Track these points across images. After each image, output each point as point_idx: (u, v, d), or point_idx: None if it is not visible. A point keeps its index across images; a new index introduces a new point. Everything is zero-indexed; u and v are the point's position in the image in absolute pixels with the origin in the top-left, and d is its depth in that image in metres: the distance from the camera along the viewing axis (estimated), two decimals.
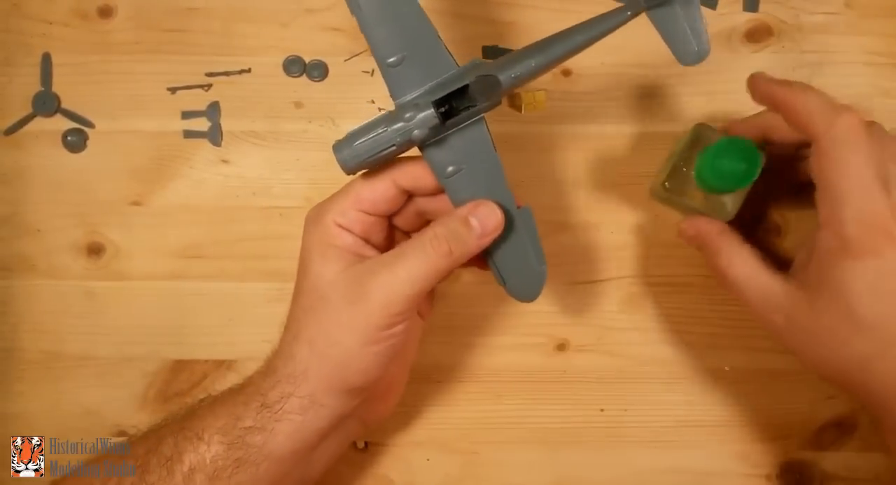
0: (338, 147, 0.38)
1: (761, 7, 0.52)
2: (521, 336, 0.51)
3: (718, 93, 0.51)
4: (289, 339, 0.40)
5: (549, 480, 0.50)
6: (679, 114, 0.51)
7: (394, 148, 0.38)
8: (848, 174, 0.35)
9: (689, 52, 0.39)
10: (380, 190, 0.40)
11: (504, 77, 0.38)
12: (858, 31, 0.51)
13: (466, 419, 0.50)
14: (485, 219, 0.38)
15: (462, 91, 0.38)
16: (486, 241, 0.39)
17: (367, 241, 0.40)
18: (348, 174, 0.39)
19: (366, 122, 0.38)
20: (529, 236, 0.40)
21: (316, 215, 0.40)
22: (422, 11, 0.39)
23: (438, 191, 0.40)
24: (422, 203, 0.42)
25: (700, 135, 0.46)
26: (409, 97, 0.38)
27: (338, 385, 0.39)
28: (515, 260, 0.41)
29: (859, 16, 0.51)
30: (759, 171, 0.41)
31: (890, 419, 0.37)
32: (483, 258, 0.41)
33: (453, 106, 0.38)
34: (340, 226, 0.40)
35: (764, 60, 0.51)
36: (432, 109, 0.37)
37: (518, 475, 0.50)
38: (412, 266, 0.37)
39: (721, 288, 0.42)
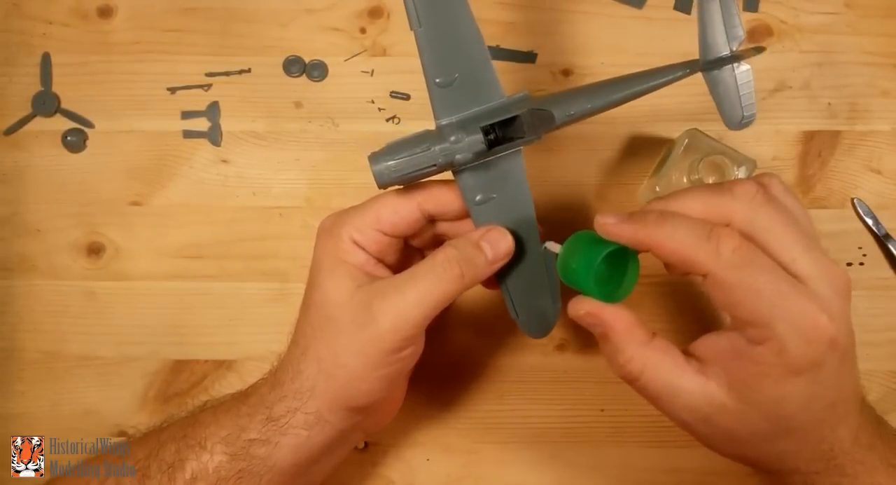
0: (375, 159, 0.37)
1: (761, 7, 0.52)
2: (522, 336, 0.50)
3: None
4: (297, 353, 0.39)
5: (549, 480, 0.50)
6: (678, 114, 0.51)
7: (434, 168, 0.37)
8: (764, 298, 0.31)
9: (735, 116, 0.39)
10: (402, 213, 0.39)
11: (558, 114, 0.37)
12: (858, 31, 0.51)
13: (466, 419, 0.50)
14: (496, 244, 0.38)
15: (510, 121, 0.38)
16: (496, 266, 0.38)
17: (380, 260, 0.40)
18: (381, 188, 0.38)
19: (404, 137, 0.38)
20: (549, 273, 0.40)
21: (331, 227, 0.39)
22: (480, 35, 0.38)
23: (462, 216, 0.40)
24: (443, 227, 0.41)
25: (693, 140, 0.46)
26: (453, 119, 0.38)
27: (343, 404, 0.38)
28: (532, 295, 0.40)
29: (859, 16, 0.51)
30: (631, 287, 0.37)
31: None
32: (493, 280, 0.41)
33: (499, 135, 0.38)
34: (355, 242, 0.39)
35: (764, 60, 0.51)
36: (480, 134, 0.37)
37: (518, 475, 0.50)
38: (422, 289, 0.37)
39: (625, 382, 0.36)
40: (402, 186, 0.39)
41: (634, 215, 0.34)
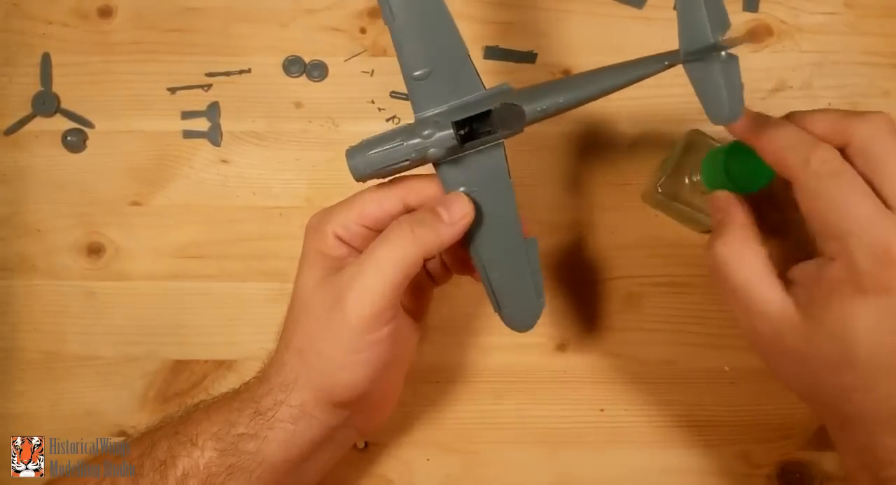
0: (351, 153, 0.37)
1: (761, 7, 0.52)
2: (521, 336, 0.50)
3: None
4: (281, 347, 0.40)
5: (549, 480, 0.50)
6: (678, 114, 0.51)
7: (407, 162, 0.37)
8: (841, 210, 0.33)
9: (721, 111, 0.35)
10: (386, 207, 0.39)
11: (529, 109, 0.37)
12: (858, 31, 0.51)
13: (466, 419, 0.50)
14: (451, 205, 0.38)
15: (485, 115, 0.37)
16: (457, 229, 0.38)
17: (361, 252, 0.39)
18: (358, 181, 0.38)
19: (383, 131, 0.38)
20: (531, 267, 0.40)
21: (317, 224, 0.40)
22: (455, 28, 0.38)
23: None
24: None
25: (694, 140, 0.46)
26: (430, 113, 0.38)
27: (326, 397, 0.38)
28: (514, 290, 0.40)
29: (859, 16, 0.51)
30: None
31: (854, 443, 0.36)
32: (466, 264, 0.41)
33: (474, 129, 0.38)
34: (339, 238, 0.39)
35: (764, 60, 0.51)
36: (451, 130, 0.37)
37: (518, 475, 0.50)
38: (378, 259, 0.36)
39: (710, 275, 0.38)
40: (385, 180, 0.39)
41: (757, 114, 0.36)
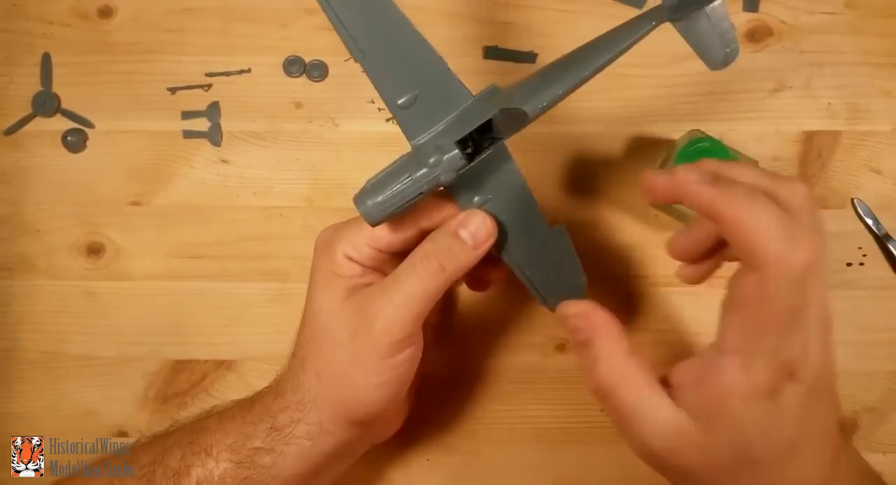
0: (360, 200, 0.36)
1: (761, 7, 0.52)
2: (521, 336, 0.51)
3: (717, 93, 0.51)
4: (296, 365, 0.39)
5: (549, 480, 0.50)
6: (678, 114, 0.51)
7: (421, 195, 0.36)
8: (797, 317, 0.30)
9: (717, 57, 0.36)
10: (399, 234, 0.38)
11: (531, 109, 0.35)
12: (858, 31, 0.51)
13: (466, 419, 0.50)
14: (475, 230, 0.37)
15: (484, 125, 0.36)
16: (481, 251, 0.37)
17: (376, 269, 0.39)
18: (374, 226, 0.37)
19: (385, 170, 0.36)
20: (565, 254, 0.39)
21: (327, 242, 0.39)
22: (428, 44, 0.37)
23: None
24: None
25: (694, 141, 0.46)
26: (426, 137, 0.36)
27: (345, 416, 0.38)
28: (553, 278, 0.40)
29: (859, 16, 0.51)
30: None
31: None
32: (481, 281, 0.41)
33: (476, 141, 0.36)
34: (349, 258, 0.38)
35: (764, 60, 0.51)
36: (457, 150, 0.35)
37: (518, 475, 0.50)
38: (406, 290, 0.36)
39: (596, 398, 0.35)
40: None
41: (720, 179, 0.32)
